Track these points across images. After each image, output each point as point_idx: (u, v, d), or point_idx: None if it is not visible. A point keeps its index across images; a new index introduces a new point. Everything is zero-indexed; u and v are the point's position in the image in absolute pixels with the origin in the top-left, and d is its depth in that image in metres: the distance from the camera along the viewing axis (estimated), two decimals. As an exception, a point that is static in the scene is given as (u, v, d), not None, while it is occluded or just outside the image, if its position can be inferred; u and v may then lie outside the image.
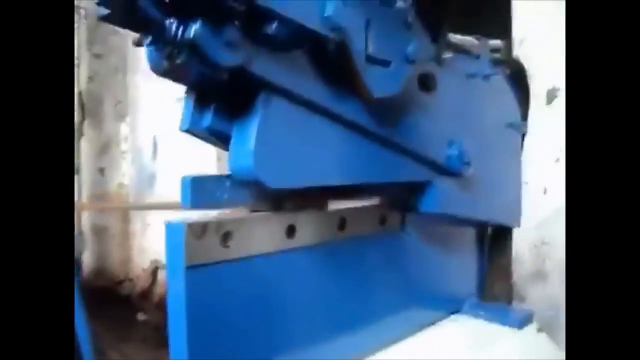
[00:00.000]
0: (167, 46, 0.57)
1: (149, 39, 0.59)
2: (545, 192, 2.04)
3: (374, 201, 0.92)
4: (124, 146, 4.26)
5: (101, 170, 4.15)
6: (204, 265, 0.64)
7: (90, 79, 4.09)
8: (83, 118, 3.99)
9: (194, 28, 0.55)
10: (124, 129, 4.25)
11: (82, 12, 3.75)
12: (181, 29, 0.56)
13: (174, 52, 0.57)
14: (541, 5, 1.97)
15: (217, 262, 0.66)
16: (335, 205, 0.85)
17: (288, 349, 0.75)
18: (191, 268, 0.63)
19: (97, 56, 4.12)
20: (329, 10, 0.61)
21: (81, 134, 3.98)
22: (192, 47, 0.56)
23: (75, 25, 3.73)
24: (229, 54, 0.57)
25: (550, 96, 1.99)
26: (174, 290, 0.64)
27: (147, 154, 4.00)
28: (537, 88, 2.01)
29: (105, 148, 4.18)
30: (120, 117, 4.25)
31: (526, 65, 2.01)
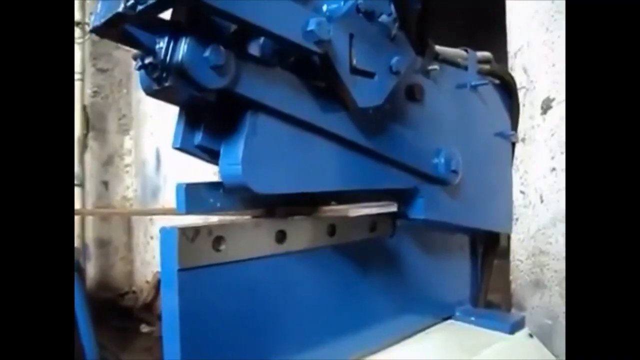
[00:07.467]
0: (155, 70, 0.60)
1: (138, 64, 0.62)
2: (542, 201, 2.06)
3: (364, 208, 0.94)
4: (127, 159, 4.30)
5: (105, 184, 4.19)
6: (196, 267, 0.66)
7: (95, 93, 4.15)
8: (87, 132, 4.03)
9: (181, 52, 0.58)
10: (127, 142, 4.30)
11: (87, 27, 3.81)
12: (169, 52, 0.58)
13: (162, 75, 0.60)
14: (536, 17, 2.00)
15: (209, 265, 0.68)
16: (326, 212, 0.88)
17: (277, 351, 0.77)
18: (184, 270, 0.65)
19: (102, 71, 4.18)
20: (312, 25, 0.64)
21: (85, 148, 4.02)
22: (180, 71, 0.58)
23: (80, 41, 3.78)
24: (215, 76, 0.60)
25: (546, 106, 2.02)
26: (167, 292, 0.66)
27: (150, 166, 4.04)
28: (533, 98, 2.03)
29: (109, 161, 4.22)
30: (124, 131, 4.30)
31: (522, 76, 2.04)
